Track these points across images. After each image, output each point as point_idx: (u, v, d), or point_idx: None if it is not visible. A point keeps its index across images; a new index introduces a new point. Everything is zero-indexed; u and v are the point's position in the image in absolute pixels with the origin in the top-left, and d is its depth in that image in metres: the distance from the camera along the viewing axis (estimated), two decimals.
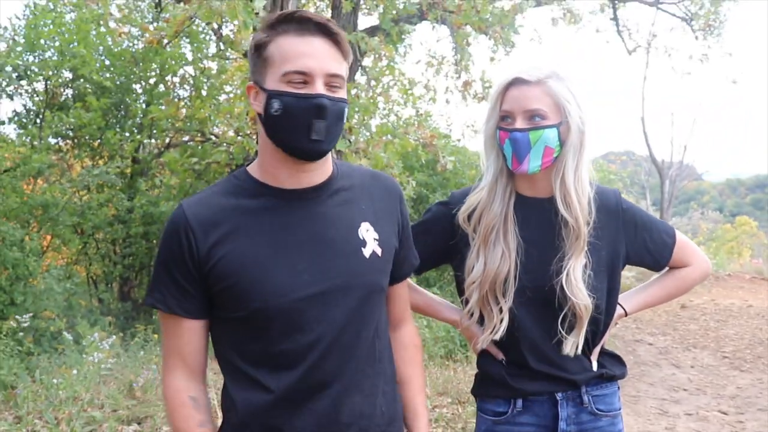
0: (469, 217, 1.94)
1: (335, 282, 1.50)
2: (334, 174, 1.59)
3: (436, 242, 1.99)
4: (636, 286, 2.16)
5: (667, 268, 2.08)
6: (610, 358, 2.02)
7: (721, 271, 14.76)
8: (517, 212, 1.92)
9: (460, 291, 1.98)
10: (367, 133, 7.18)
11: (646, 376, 6.98)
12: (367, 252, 1.56)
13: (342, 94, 1.46)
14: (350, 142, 6.55)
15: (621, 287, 2.00)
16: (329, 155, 1.56)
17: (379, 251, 1.59)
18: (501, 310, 1.87)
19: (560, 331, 1.86)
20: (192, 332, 1.53)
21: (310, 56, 1.41)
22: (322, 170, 1.55)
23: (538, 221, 1.90)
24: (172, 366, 1.53)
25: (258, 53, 1.46)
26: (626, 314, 2.07)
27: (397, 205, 1.70)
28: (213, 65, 10.45)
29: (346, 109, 1.48)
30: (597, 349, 1.97)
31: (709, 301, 12.20)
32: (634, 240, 1.96)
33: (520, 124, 1.82)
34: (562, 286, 1.83)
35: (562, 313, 1.84)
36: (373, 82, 8.30)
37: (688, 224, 23.66)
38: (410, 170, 9.79)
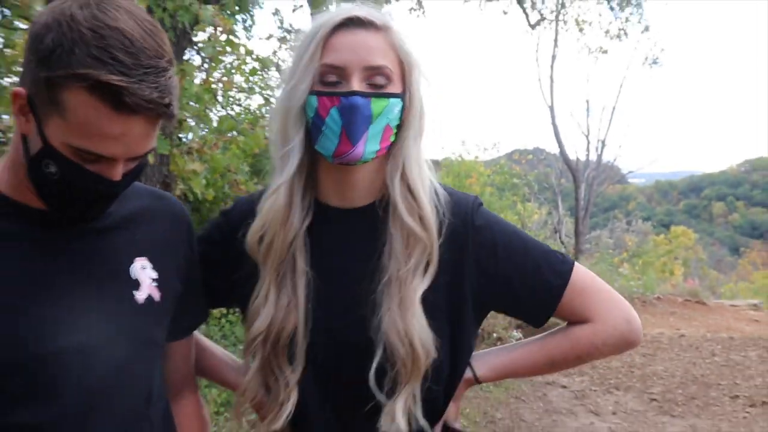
0: (261, 239, 1.71)
1: (95, 333, 1.43)
2: None
3: (208, 276, 1.79)
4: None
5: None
6: None
7: (648, 294, 15.15)
8: (314, 230, 1.73)
9: (246, 345, 1.79)
10: (207, 129, 7.17)
11: (558, 427, 7.11)
12: (141, 296, 1.53)
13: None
14: (180, 140, 6.44)
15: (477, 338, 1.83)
16: None
17: (157, 296, 1.56)
18: (287, 385, 1.69)
19: (375, 391, 1.65)
20: None
21: (121, 142, 1.30)
22: None
23: (351, 241, 1.74)
24: None
25: (45, 75, 1.26)
26: (477, 381, 1.82)
27: (185, 237, 1.69)
28: None
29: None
30: (438, 429, 1.80)
31: None
32: (492, 277, 1.71)
33: (358, 85, 1.59)
34: (380, 320, 1.63)
35: (375, 363, 1.64)
36: (209, 63, 7.67)
37: (611, 237, 24.79)
38: (261, 177, 8.83)
